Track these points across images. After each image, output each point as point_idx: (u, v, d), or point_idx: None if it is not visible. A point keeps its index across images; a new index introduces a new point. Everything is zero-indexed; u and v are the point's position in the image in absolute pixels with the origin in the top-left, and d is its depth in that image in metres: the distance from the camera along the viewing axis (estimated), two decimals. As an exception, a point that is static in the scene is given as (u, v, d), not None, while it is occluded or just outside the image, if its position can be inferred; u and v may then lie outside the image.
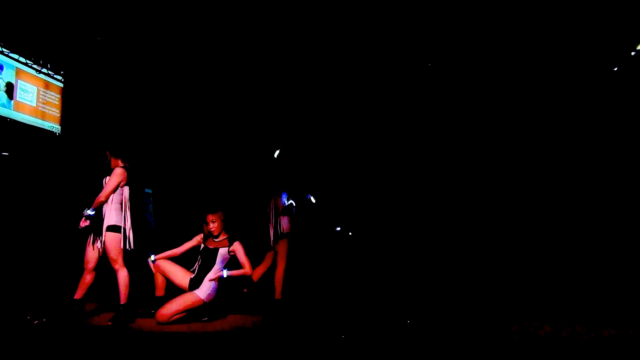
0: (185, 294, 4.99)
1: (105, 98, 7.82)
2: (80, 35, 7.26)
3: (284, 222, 5.62)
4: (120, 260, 4.76)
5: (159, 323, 4.76)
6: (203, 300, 4.98)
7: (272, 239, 5.56)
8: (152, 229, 8.49)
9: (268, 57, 7.98)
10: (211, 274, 5.07)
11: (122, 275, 4.78)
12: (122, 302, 4.76)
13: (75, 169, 7.24)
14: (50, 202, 6.97)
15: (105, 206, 4.76)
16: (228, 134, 8.53)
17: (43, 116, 7.22)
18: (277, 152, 5.81)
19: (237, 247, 5.16)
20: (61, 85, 7.57)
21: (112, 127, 7.50)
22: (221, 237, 5.22)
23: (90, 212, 4.70)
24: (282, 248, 5.60)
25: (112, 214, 4.76)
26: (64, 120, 7.54)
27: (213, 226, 5.20)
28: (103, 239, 4.71)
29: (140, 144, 7.66)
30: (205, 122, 8.61)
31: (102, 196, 4.73)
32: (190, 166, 8.57)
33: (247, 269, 5.14)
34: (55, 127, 7.41)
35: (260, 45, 7.72)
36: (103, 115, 7.67)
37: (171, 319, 4.79)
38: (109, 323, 4.65)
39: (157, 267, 5.16)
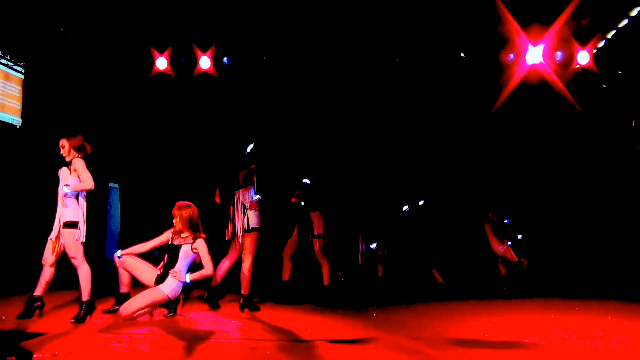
0: (150, 289, 4.90)
1: (68, 90, 7.58)
2: (42, 25, 7.03)
3: (252, 216, 5.57)
4: (80, 256, 4.66)
5: (123, 319, 4.68)
6: (168, 296, 4.91)
7: (238, 233, 5.51)
8: (119, 225, 8.34)
9: (242, 44, 7.83)
10: (174, 272, 4.97)
11: (83, 271, 4.67)
12: (84, 299, 4.67)
13: (36, 163, 7.04)
14: (10, 196, 6.77)
15: (59, 202, 4.66)
16: (198, 126, 8.34)
17: (2, 108, 6.99)
18: (251, 146, 5.73)
19: (200, 245, 5.03)
20: (22, 76, 7.33)
21: (73, 119, 7.28)
22: (186, 234, 5.10)
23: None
24: (249, 243, 5.53)
25: (67, 209, 4.65)
26: (24, 113, 7.31)
27: (175, 221, 5.12)
28: (57, 235, 4.61)
29: (106, 137, 7.52)
30: (174, 114, 8.41)
31: (87, 184, 4.61)
32: (158, 160, 8.40)
33: (208, 269, 5.03)
34: (16, 120, 7.18)
35: (232, 33, 7.57)
36: (66, 107, 7.45)
37: (134, 315, 4.71)
38: (72, 320, 4.56)
39: (122, 263, 5.05)
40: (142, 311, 4.78)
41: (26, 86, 7.37)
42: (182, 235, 5.12)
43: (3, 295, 5.53)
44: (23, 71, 7.32)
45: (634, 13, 6.89)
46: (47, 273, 4.69)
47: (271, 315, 5.19)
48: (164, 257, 5.10)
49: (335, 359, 3.57)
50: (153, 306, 4.88)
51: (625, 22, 7.11)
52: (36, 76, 7.44)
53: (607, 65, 7.75)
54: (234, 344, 3.94)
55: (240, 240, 5.54)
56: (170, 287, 4.92)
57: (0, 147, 6.83)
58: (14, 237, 6.60)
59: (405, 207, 6.90)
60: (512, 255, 7.08)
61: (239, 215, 5.52)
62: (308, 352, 3.70)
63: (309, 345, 3.89)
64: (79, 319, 4.58)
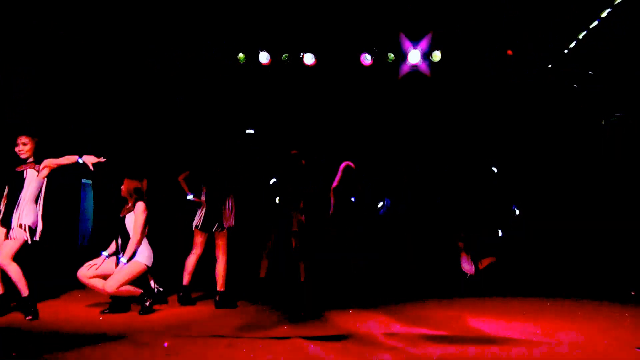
0: (127, 265, 4.82)
1: (31, 82, 7.30)
2: (12, 17, 6.78)
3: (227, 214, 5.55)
4: (12, 256, 4.57)
5: (109, 295, 4.76)
6: (145, 264, 4.90)
7: (212, 230, 5.48)
8: (91, 224, 8.09)
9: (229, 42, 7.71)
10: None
11: (13, 269, 4.55)
12: (24, 295, 4.57)
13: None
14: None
15: (22, 202, 4.62)
16: (169, 116, 8.13)
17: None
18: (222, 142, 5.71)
19: (137, 207, 5.00)
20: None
21: (43, 113, 7.04)
22: (131, 203, 5.08)
23: None
24: (222, 241, 5.51)
25: (29, 213, 4.63)
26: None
27: (122, 188, 5.11)
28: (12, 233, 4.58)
29: (75, 130, 7.31)
30: (144, 102, 8.14)
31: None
32: (133, 155, 8.14)
33: (133, 237, 4.91)
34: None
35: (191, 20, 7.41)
36: (30, 101, 7.18)
37: (119, 290, 4.72)
38: (28, 318, 4.50)
39: (86, 277, 4.92)
40: (126, 286, 4.76)
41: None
42: (127, 206, 5.10)
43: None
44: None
45: (604, 14, 7.05)
46: None
47: (248, 312, 5.14)
48: (117, 238, 5.04)
49: (312, 355, 3.56)
50: (136, 279, 4.84)
51: (595, 23, 7.28)
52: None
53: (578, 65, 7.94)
54: (210, 340, 3.89)
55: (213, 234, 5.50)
56: (143, 254, 4.91)
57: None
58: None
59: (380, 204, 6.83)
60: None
61: (204, 210, 5.50)
62: (285, 349, 3.68)
63: (286, 342, 3.86)
64: (31, 313, 4.52)
